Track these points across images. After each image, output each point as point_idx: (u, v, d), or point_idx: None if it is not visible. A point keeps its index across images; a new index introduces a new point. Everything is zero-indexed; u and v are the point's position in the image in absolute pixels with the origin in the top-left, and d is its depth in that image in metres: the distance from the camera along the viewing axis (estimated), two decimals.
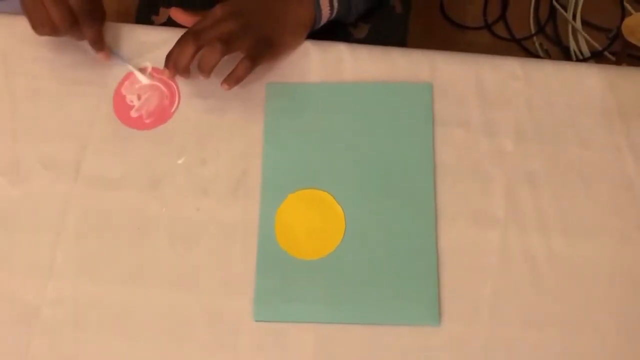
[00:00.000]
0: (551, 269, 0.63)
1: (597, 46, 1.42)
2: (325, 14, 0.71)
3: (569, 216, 0.65)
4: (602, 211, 0.65)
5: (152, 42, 0.72)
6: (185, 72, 0.66)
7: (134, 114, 0.69)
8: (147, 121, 0.69)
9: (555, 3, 1.46)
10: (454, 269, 0.63)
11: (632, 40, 1.20)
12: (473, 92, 0.69)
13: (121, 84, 0.71)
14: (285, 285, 0.62)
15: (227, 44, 0.64)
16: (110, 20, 0.72)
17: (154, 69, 0.71)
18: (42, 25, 0.64)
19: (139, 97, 0.70)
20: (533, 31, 1.46)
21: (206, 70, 0.64)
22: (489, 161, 0.67)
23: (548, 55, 1.43)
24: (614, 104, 0.69)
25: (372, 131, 0.68)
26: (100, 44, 0.68)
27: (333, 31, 0.75)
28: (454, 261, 0.63)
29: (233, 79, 0.65)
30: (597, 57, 1.42)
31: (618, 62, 1.35)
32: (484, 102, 0.69)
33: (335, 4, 0.71)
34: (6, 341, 0.62)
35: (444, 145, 0.67)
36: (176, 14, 0.69)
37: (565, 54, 1.44)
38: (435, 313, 0.61)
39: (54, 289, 0.63)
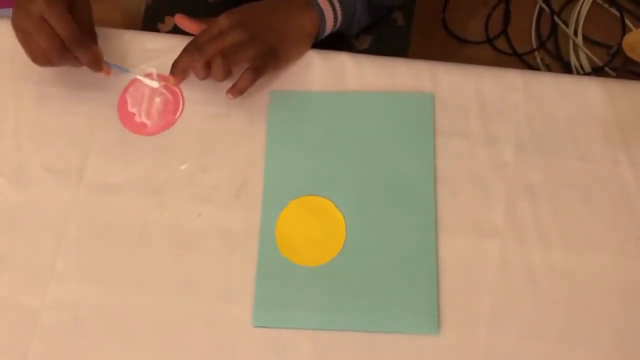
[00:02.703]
0: (550, 280, 0.63)
1: (598, 62, 1.43)
2: (329, 25, 0.72)
3: (568, 228, 0.65)
4: (601, 223, 0.65)
5: (157, 49, 0.72)
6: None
7: (137, 119, 0.70)
8: (151, 127, 0.70)
9: (556, 19, 1.47)
10: (453, 278, 0.63)
11: (632, 56, 1.19)
12: (474, 103, 0.70)
13: (126, 89, 0.71)
14: (285, 291, 0.63)
15: (232, 59, 0.65)
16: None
17: (159, 75, 0.71)
18: (36, 57, 0.64)
19: (141, 104, 0.71)
20: (534, 46, 1.46)
21: (218, 80, 0.66)
22: (489, 172, 0.67)
23: (549, 70, 1.44)
24: (613, 116, 0.69)
25: (374, 140, 0.68)
26: (97, 65, 0.66)
27: (335, 42, 0.75)
28: (453, 271, 0.63)
29: (237, 90, 0.66)
30: (597, 72, 1.42)
31: (619, 78, 1.35)
32: (484, 113, 0.70)
33: (339, 17, 0.72)
34: (5, 345, 0.62)
35: (445, 155, 0.68)
36: (181, 20, 0.69)
37: (566, 70, 1.44)
38: (434, 322, 0.61)
39: (54, 294, 0.63)
